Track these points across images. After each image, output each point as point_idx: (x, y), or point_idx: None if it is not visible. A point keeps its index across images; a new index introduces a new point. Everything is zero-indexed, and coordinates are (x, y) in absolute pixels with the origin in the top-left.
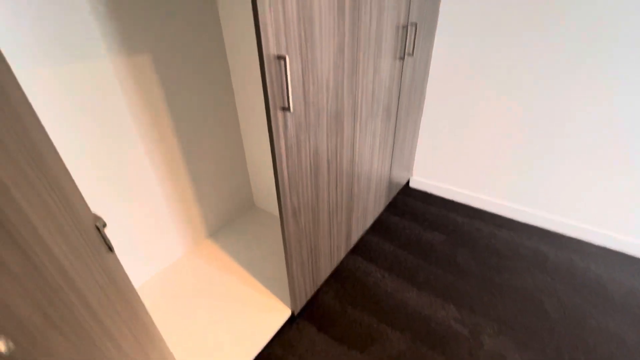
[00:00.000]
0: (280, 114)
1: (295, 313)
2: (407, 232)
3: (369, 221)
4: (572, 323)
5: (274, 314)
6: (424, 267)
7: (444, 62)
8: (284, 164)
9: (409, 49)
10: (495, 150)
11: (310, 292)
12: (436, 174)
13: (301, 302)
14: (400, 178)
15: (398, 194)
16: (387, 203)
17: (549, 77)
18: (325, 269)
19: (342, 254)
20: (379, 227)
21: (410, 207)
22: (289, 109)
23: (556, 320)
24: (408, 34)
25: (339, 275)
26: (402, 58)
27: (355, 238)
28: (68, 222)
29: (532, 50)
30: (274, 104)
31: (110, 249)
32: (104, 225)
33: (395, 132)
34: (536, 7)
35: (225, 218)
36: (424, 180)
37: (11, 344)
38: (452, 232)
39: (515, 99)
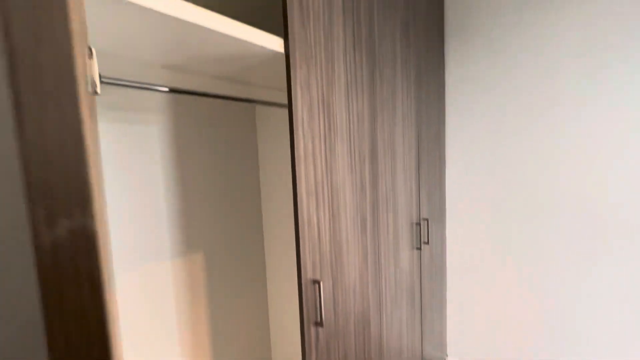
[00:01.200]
0: (312, 329)
1: None
2: None
3: None
4: None
5: None
6: None
7: (458, 245)
8: None
9: (424, 239)
10: (525, 320)
11: None
12: (473, 353)
13: None
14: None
15: None
16: None
17: (561, 261)
18: None
19: None
20: None
21: None
22: (321, 324)
23: None
24: (422, 228)
25: None
26: (419, 248)
27: None
28: None
29: (532, 234)
30: (307, 320)
31: None
32: None
33: (422, 317)
34: (534, 195)
35: None
36: None
37: None
38: None
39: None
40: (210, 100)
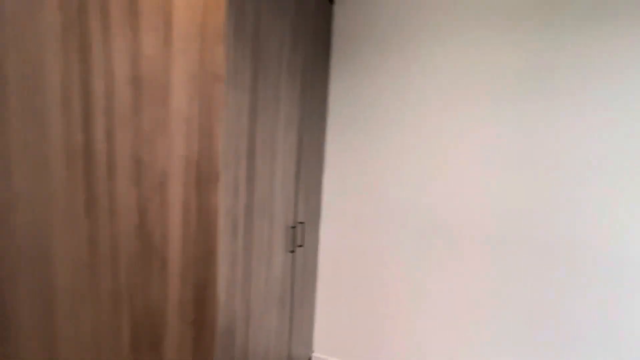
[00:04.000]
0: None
1: None
2: None
3: None
4: None
5: None
6: None
7: (330, 248)
8: None
9: (298, 242)
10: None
11: None
12: (339, 350)
13: None
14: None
15: None
16: None
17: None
18: None
19: None
20: None
21: None
22: None
23: None
24: (297, 231)
25: None
26: (293, 251)
27: None
28: None
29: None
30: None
31: None
32: None
33: (291, 318)
34: (393, 203)
35: None
36: (325, 357)
37: None
38: None
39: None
40: None
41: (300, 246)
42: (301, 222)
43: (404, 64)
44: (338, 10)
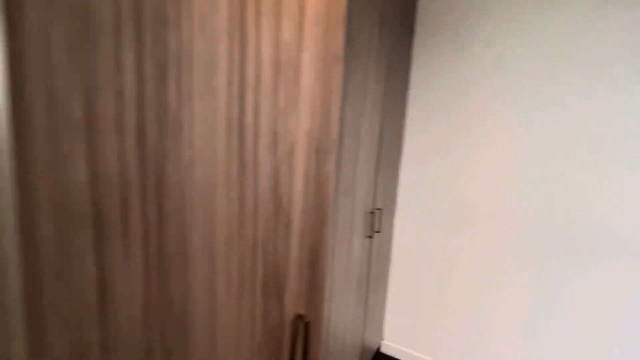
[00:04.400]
0: None
1: None
2: None
3: None
4: None
5: None
6: None
7: (404, 235)
8: None
9: (376, 228)
10: (459, 318)
11: None
12: (408, 340)
13: None
14: (372, 344)
15: None
16: None
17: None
18: None
19: None
20: None
21: None
22: None
23: None
24: (375, 217)
25: None
26: (371, 236)
27: None
28: None
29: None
30: None
31: None
32: None
33: (366, 304)
34: (474, 196)
35: None
36: (395, 345)
37: None
38: None
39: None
40: None
41: (378, 232)
42: (379, 209)
43: (489, 53)
44: None
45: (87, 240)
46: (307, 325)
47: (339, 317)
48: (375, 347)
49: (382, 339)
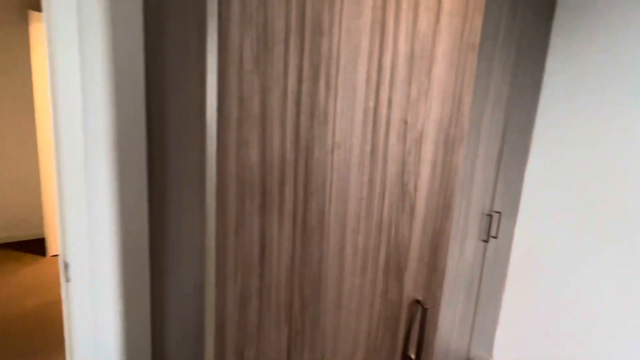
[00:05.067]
0: None
1: None
2: None
3: None
4: None
5: None
6: None
7: (526, 244)
8: None
9: (492, 232)
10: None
11: None
12: (520, 358)
13: None
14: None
15: None
16: None
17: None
18: None
19: None
20: None
21: None
22: None
23: None
24: (492, 220)
25: None
26: (486, 240)
27: None
28: None
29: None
30: None
31: None
32: None
33: (475, 313)
34: (625, 206)
35: None
36: None
37: None
38: None
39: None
40: None
41: (494, 237)
42: (497, 212)
43: None
44: None
45: (255, 207)
46: (424, 312)
47: (446, 320)
48: None
49: (491, 356)
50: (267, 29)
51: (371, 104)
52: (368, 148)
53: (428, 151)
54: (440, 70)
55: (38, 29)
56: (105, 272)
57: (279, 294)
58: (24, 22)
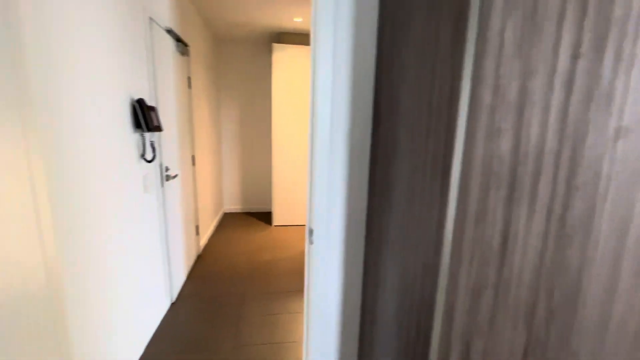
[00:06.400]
0: None
1: None
2: None
3: None
4: None
5: None
6: None
7: None
8: None
9: None
10: None
11: None
12: None
13: None
14: None
15: None
16: None
17: None
18: None
19: None
20: None
21: None
22: None
23: None
24: None
25: None
26: None
27: None
28: None
29: None
30: None
31: None
32: None
33: None
34: None
35: None
36: None
37: None
38: None
39: None
40: None
41: None
42: None
43: None
44: None
45: (501, 198)
46: None
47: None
48: None
49: None
50: (538, 3)
51: None
52: None
53: None
54: None
55: (277, 57)
56: (335, 239)
57: (520, 292)
58: (269, 53)
